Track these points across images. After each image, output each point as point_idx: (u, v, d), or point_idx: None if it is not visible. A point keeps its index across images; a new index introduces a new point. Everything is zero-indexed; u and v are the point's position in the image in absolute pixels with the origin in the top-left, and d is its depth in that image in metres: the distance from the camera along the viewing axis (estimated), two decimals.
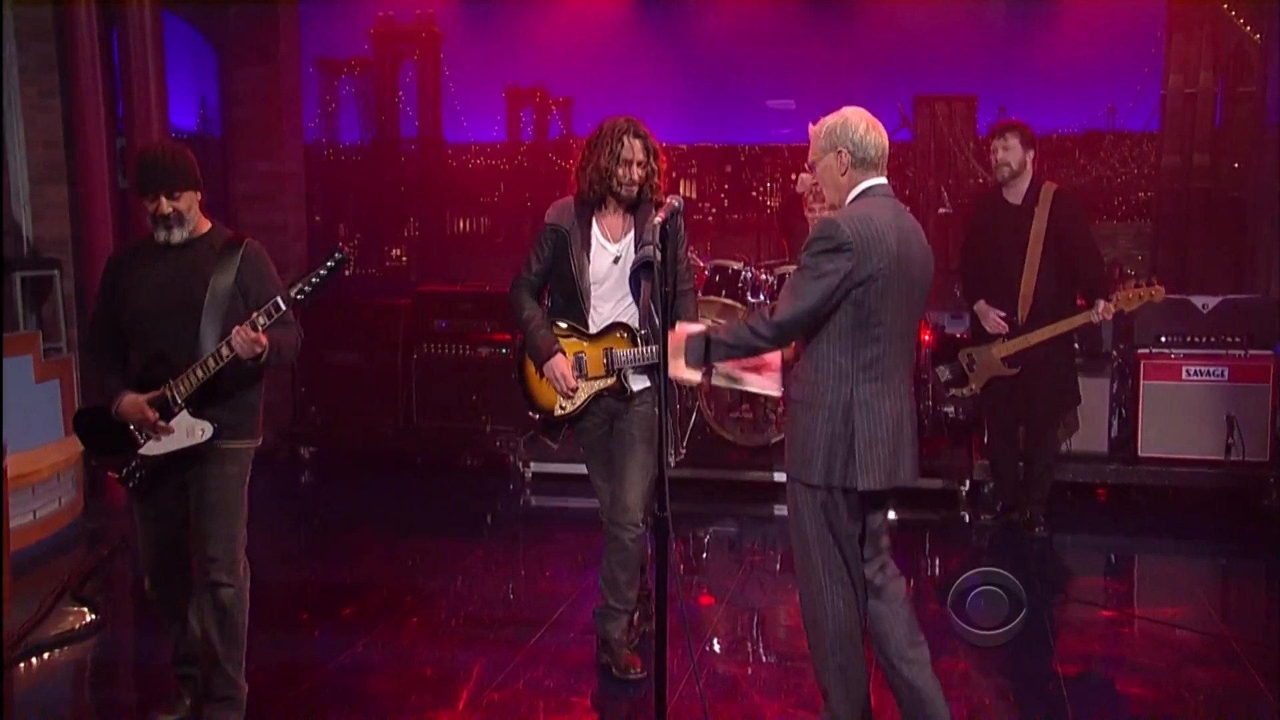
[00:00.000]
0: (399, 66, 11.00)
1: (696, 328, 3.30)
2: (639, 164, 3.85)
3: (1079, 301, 5.50)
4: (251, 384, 3.58)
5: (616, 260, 3.94)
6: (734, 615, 4.73)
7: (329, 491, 4.51)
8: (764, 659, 4.24)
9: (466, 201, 11.28)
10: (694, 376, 3.31)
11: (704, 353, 3.21)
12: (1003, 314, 5.46)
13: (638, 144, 3.84)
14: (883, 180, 3.23)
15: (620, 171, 3.83)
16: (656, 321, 3.67)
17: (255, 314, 3.35)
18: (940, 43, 9.77)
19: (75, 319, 6.26)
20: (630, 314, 3.96)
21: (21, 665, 4.17)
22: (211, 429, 3.47)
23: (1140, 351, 6.26)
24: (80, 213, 6.18)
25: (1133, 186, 10.05)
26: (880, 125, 3.24)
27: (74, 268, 6.25)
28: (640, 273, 3.85)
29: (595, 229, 3.95)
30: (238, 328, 3.34)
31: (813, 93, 9.56)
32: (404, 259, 11.14)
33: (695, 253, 7.48)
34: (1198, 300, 6.24)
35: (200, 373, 3.41)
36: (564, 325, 3.99)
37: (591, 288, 3.94)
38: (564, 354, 3.93)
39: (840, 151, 3.19)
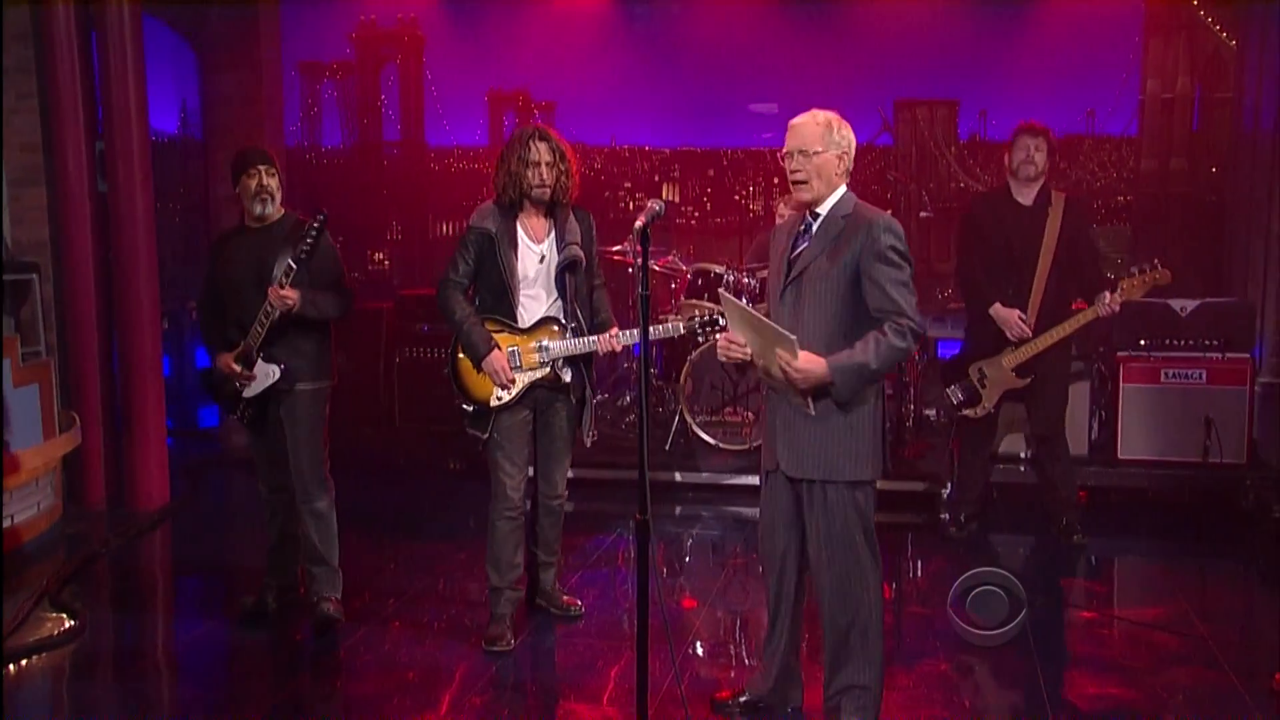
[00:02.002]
0: (381, 70, 10.98)
1: (822, 361, 3.26)
2: (546, 165, 4.15)
3: (1075, 304, 5.50)
4: (307, 334, 4.43)
5: (542, 259, 4.24)
6: (716, 618, 4.74)
7: None
8: (747, 662, 4.24)
9: (449, 205, 11.27)
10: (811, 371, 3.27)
11: (859, 383, 3.31)
12: (1023, 316, 5.28)
13: (543, 146, 4.15)
14: None
15: (529, 174, 4.14)
16: (579, 316, 4.26)
17: (278, 274, 4.22)
18: (922, 47, 9.82)
19: (54, 323, 6.21)
20: (556, 309, 4.26)
21: None
22: (279, 370, 4.38)
23: (1120, 354, 6.30)
24: (59, 216, 6.14)
25: (1112, 190, 10.12)
26: None
27: (52, 271, 6.20)
28: (566, 271, 4.24)
29: (520, 231, 4.22)
30: (271, 287, 4.22)
31: (795, 97, 9.59)
32: (386, 263, 11.13)
33: (678, 256, 7.51)
34: (1176, 303, 6.27)
35: (259, 328, 4.32)
36: (495, 322, 4.23)
37: (520, 285, 4.21)
38: (500, 349, 4.18)
39: (843, 155, 3.41)
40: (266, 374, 4.40)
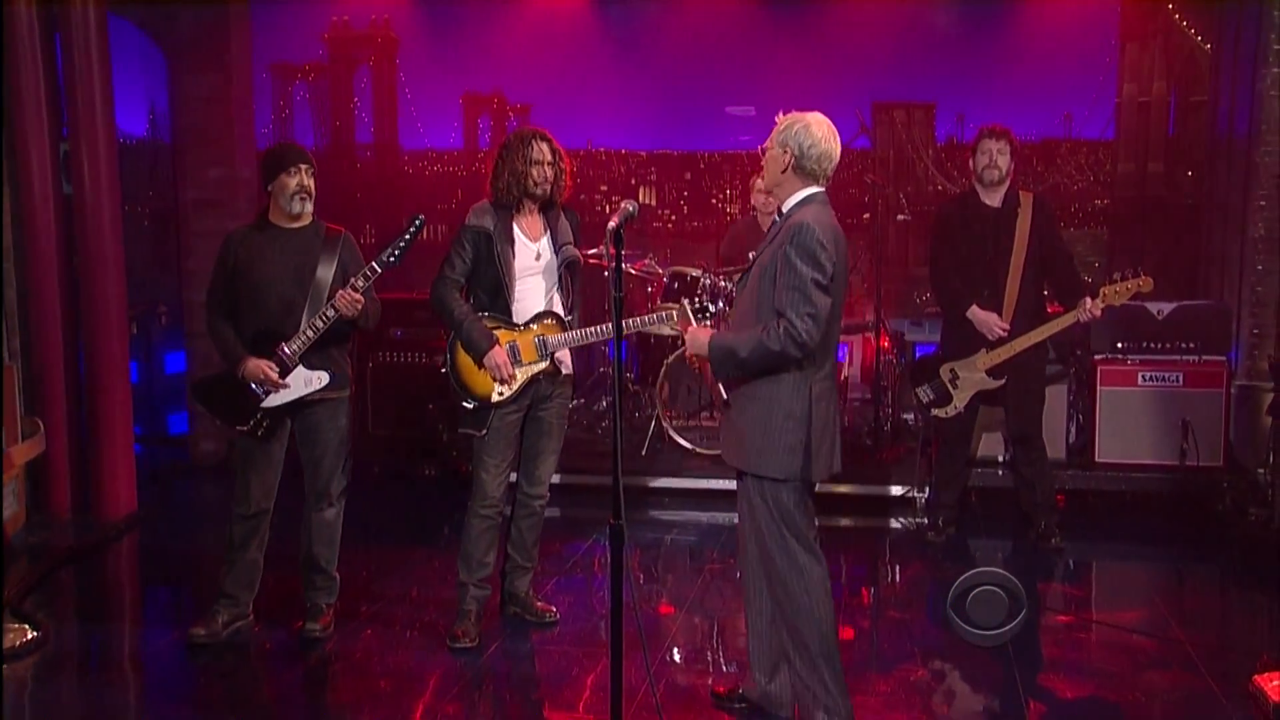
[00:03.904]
0: (354, 71, 10.91)
1: (709, 333, 3.50)
2: (548, 164, 4.29)
3: (1050, 308, 5.49)
4: (340, 341, 4.33)
5: (538, 257, 4.35)
6: (693, 624, 4.69)
7: (282, 501, 4.44)
8: (724, 669, 4.20)
9: (423, 209, 11.13)
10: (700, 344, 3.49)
11: (729, 366, 3.39)
12: (1001, 324, 5.26)
13: (545, 147, 4.29)
14: (822, 190, 3.45)
15: (533, 173, 4.26)
16: (569, 317, 4.38)
17: (354, 278, 4.14)
18: (900, 50, 9.82)
19: (17, 327, 6.09)
20: (552, 305, 4.38)
21: None
22: (328, 376, 4.24)
23: (1097, 357, 6.30)
24: (22, 219, 6.00)
25: (1089, 194, 10.16)
26: (836, 139, 3.44)
27: (16, 275, 6.08)
28: (564, 269, 4.39)
29: (516, 229, 4.32)
30: (341, 290, 4.12)
31: (773, 100, 9.54)
32: None
33: (654, 259, 7.46)
34: (1153, 306, 6.28)
35: (311, 332, 4.16)
36: (491, 319, 4.31)
37: (516, 282, 4.29)
38: (500, 344, 4.26)
39: (786, 151, 3.39)
40: (306, 381, 4.22)
